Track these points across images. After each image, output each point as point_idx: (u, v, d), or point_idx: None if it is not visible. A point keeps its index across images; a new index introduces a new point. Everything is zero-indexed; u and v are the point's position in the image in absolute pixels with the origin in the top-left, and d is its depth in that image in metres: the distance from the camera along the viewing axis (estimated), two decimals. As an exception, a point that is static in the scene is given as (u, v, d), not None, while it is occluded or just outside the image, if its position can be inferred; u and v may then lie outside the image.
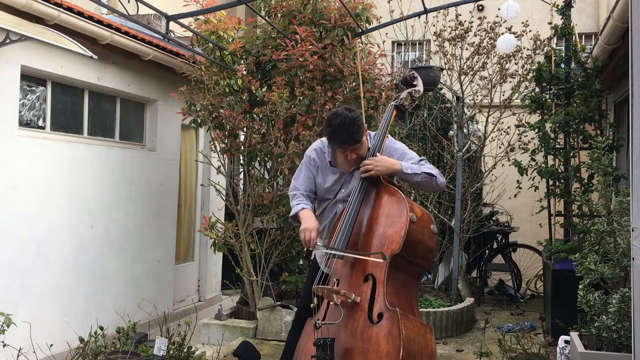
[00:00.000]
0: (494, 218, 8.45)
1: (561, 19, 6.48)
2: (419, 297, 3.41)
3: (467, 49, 7.28)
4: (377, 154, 3.36)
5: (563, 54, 6.57)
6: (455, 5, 6.49)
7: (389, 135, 3.53)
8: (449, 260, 7.64)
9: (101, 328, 4.03)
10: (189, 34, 5.78)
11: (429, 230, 3.19)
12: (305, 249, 6.28)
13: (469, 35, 7.24)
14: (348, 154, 3.35)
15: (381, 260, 3.01)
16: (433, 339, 3.06)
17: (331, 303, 3.15)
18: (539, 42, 7.23)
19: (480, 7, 9.91)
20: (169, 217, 7.26)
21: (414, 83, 3.63)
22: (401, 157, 3.43)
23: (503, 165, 7.51)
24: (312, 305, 3.20)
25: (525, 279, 8.59)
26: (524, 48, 7.25)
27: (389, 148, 3.47)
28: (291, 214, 3.47)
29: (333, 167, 3.50)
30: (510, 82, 7.37)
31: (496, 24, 7.17)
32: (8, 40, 4.59)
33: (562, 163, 6.39)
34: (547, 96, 6.65)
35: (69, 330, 5.21)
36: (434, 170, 3.38)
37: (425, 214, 3.22)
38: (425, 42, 9.01)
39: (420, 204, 7.63)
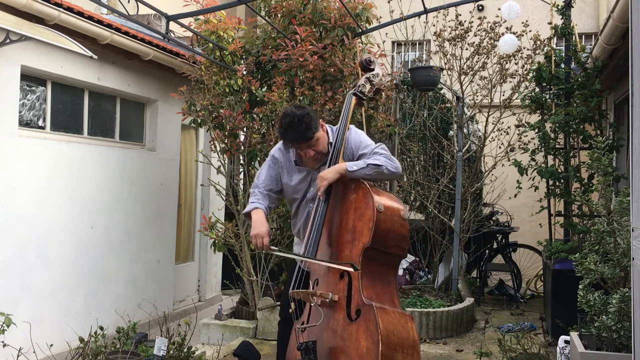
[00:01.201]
0: (494, 218, 8.45)
1: (561, 19, 6.48)
2: (398, 286, 3.38)
3: (467, 49, 7.27)
4: (323, 168, 3.30)
5: (563, 54, 6.57)
6: (455, 5, 6.50)
7: (351, 126, 3.46)
8: (449, 260, 7.63)
9: (101, 328, 4.03)
10: (189, 34, 5.78)
11: (399, 217, 3.12)
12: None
13: (469, 35, 7.23)
14: (305, 152, 3.32)
15: (352, 270, 2.97)
16: (414, 327, 3.02)
17: (312, 305, 3.13)
18: (539, 42, 7.22)
19: (480, 7, 9.91)
20: (169, 217, 7.26)
21: (372, 67, 3.52)
22: (357, 148, 3.36)
23: (503, 165, 7.50)
24: (290, 310, 3.19)
25: (525, 279, 8.58)
26: (524, 48, 7.24)
27: (350, 140, 3.39)
28: (244, 211, 3.52)
29: (299, 166, 3.46)
30: (510, 82, 7.36)
31: (496, 24, 7.16)
32: (8, 40, 4.58)
33: (562, 163, 6.39)
34: (547, 96, 6.65)
35: (69, 330, 5.21)
36: (380, 159, 3.22)
37: (393, 200, 3.16)
38: (425, 42, 9.01)
39: (419, 204, 7.63)
